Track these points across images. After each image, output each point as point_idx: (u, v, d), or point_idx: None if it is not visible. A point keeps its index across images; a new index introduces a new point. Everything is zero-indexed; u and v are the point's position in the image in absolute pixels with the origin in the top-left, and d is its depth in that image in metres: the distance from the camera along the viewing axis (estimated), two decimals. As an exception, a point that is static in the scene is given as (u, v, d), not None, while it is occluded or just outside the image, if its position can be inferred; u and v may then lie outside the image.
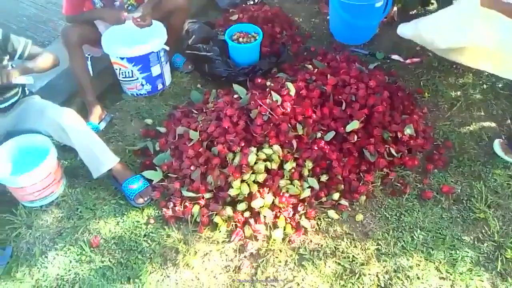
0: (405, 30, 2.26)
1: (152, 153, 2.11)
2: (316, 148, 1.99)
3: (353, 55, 2.59)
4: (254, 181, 1.88)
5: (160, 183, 1.96)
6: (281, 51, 2.61)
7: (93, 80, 2.33)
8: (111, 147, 2.12)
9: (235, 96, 2.14)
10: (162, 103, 2.39)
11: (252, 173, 1.88)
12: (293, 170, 1.94)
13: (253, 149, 1.91)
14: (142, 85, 2.37)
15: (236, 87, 2.18)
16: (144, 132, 2.23)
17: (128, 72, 2.30)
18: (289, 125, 1.97)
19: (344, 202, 1.95)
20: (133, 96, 2.42)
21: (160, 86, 2.44)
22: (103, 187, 2.00)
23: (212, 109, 2.07)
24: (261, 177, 1.88)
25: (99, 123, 2.23)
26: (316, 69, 2.28)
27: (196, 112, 2.18)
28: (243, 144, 1.92)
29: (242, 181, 1.87)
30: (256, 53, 2.51)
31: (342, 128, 2.04)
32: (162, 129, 2.21)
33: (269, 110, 1.95)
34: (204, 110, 2.15)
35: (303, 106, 2.02)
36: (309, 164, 1.98)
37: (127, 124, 2.29)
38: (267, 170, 1.92)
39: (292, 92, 2.06)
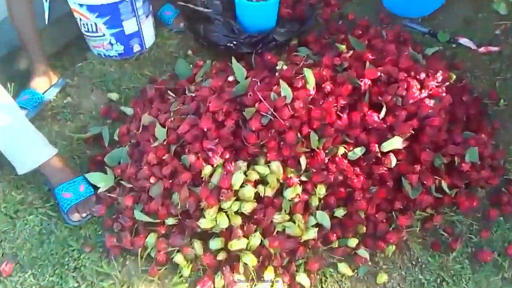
0: None
1: (107, 145, 1.53)
2: (334, 169, 1.38)
3: (406, 31, 1.87)
4: (237, 212, 1.30)
5: (108, 194, 1.40)
6: (307, 15, 1.92)
7: (47, 30, 1.72)
8: (56, 128, 1.56)
9: (230, 78, 1.49)
10: (136, 72, 1.78)
11: (236, 199, 1.30)
12: (296, 200, 1.35)
13: (242, 165, 1.32)
14: (111, 44, 1.75)
15: (235, 65, 1.53)
16: (104, 111, 1.64)
17: (91, 25, 1.68)
18: (298, 134, 1.34)
19: (363, 252, 1.36)
20: (100, 57, 1.81)
21: (136, 48, 1.81)
22: (33, 186, 1.46)
23: (192, 94, 1.45)
24: (247, 207, 1.29)
25: (44, 92, 1.65)
26: (352, 51, 1.60)
27: (173, 95, 1.57)
28: (227, 156, 1.32)
29: (220, 209, 1.29)
30: (272, 15, 1.83)
31: (377, 144, 1.40)
32: (129, 110, 1.61)
33: (272, 110, 1.32)
34: (186, 94, 1.53)
35: (324, 107, 1.38)
36: (321, 191, 1.38)
37: (85, 96, 1.70)
38: (259, 198, 1.33)
39: (311, 83, 1.40)
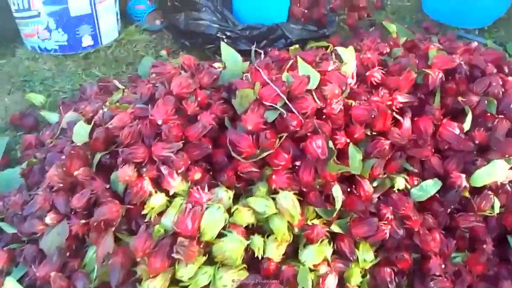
0: None
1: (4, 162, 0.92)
2: (389, 215, 0.76)
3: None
4: (207, 289, 0.65)
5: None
6: (327, 19, 1.42)
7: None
8: None
9: (216, 65, 0.91)
10: (81, 71, 1.22)
11: (208, 262, 0.65)
12: (325, 269, 0.70)
13: (223, 195, 0.69)
14: (50, 31, 1.21)
15: (224, 47, 0.96)
16: (15, 117, 1.05)
17: (20, -3, 1.16)
18: (330, 144, 0.74)
19: None
20: (35, 52, 1.26)
21: (87, 41, 1.27)
22: None
23: (153, 78, 0.85)
24: (229, 278, 0.64)
25: None
26: (405, 39, 1.05)
27: (122, 86, 0.98)
28: (197, 176, 0.70)
29: (174, 282, 0.64)
30: (283, 6, 1.33)
31: (461, 175, 0.79)
32: (53, 117, 1.02)
33: (284, 97, 0.73)
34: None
35: (373, 104, 0.79)
36: (367, 257, 0.74)
37: (-4, 99, 1.12)
38: (252, 261, 0.68)
39: (349, 65, 0.83)
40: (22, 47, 1.29)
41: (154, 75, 0.83)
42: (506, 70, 0.95)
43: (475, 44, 1.04)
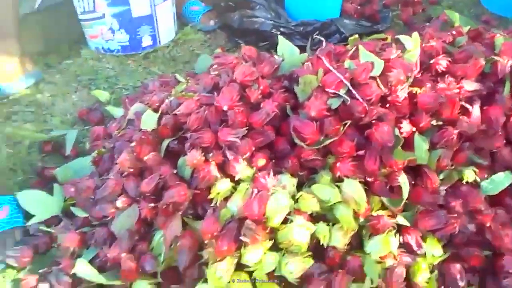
0: None
1: (69, 153, 0.97)
2: (457, 209, 0.72)
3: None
4: (272, 274, 0.64)
5: (45, 229, 0.79)
6: (381, 16, 1.40)
7: (34, 16, 1.29)
8: (7, 129, 1.04)
9: (276, 59, 0.92)
10: (141, 69, 1.27)
11: (273, 248, 0.65)
12: (391, 262, 0.68)
13: (288, 182, 0.68)
14: (113, 31, 1.27)
15: (281, 40, 0.97)
16: (83, 112, 1.10)
17: (88, 0, 1.22)
18: (396, 132, 0.72)
19: None
20: (98, 52, 1.33)
21: (146, 41, 1.32)
22: None
23: (215, 73, 0.87)
24: (296, 267, 0.63)
25: (7, 84, 1.15)
26: (468, 27, 1.01)
27: (183, 80, 1.01)
28: (261, 162, 0.70)
29: (239, 266, 0.64)
30: (336, 2, 1.32)
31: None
32: (118, 112, 1.07)
33: (348, 83, 0.72)
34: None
35: (441, 92, 0.76)
36: (434, 251, 0.71)
37: (63, 96, 1.18)
38: (317, 249, 0.67)
39: (413, 53, 0.81)
40: (86, 48, 1.36)
41: (216, 66, 0.85)
42: None
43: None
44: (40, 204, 0.81)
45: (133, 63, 1.29)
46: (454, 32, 0.98)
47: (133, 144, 0.76)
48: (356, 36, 0.95)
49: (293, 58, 0.89)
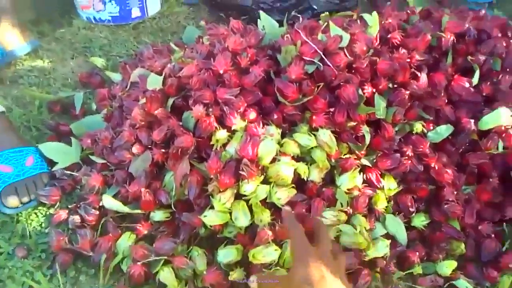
0: None
1: (78, 112, 1.09)
2: (408, 153, 0.92)
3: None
4: (264, 202, 0.82)
5: (69, 173, 0.93)
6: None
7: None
8: (14, 92, 1.14)
9: (260, 31, 1.06)
10: (132, 39, 1.38)
11: (264, 181, 0.82)
12: (356, 193, 0.87)
13: (273, 131, 0.85)
14: (104, 2, 1.37)
15: (262, 16, 1.12)
16: (83, 76, 1.21)
17: (79, -29, 1.31)
18: (360, 91, 0.90)
19: (463, 283, 0.85)
20: (89, 23, 1.42)
21: (135, 13, 1.43)
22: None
23: (207, 43, 1.01)
24: (282, 195, 0.81)
25: (9, 49, 1.23)
26: (420, 8, 1.19)
27: (176, 48, 1.15)
28: (252, 116, 0.86)
29: (238, 196, 0.81)
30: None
31: (470, 120, 0.95)
32: (115, 76, 1.19)
33: (321, 52, 0.88)
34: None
35: (396, 59, 0.94)
36: (391, 186, 0.90)
37: (62, 61, 1.29)
38: (299, 182, 0.85)
39: (374, 28, 0.98)
40: (78, 18, 1.44)
41: (208, 36, 1.00)
42: (510, 34, 1.09)
43: (483, 12, 1.18)
44: (61, 153, 0.94)
45: (124, 33, 1.40)
46: (408, 11, 1.16)
47: (142, 101, 0.90)
48: (327, 13, 1.11)
49: (273, 31, 1.04)
